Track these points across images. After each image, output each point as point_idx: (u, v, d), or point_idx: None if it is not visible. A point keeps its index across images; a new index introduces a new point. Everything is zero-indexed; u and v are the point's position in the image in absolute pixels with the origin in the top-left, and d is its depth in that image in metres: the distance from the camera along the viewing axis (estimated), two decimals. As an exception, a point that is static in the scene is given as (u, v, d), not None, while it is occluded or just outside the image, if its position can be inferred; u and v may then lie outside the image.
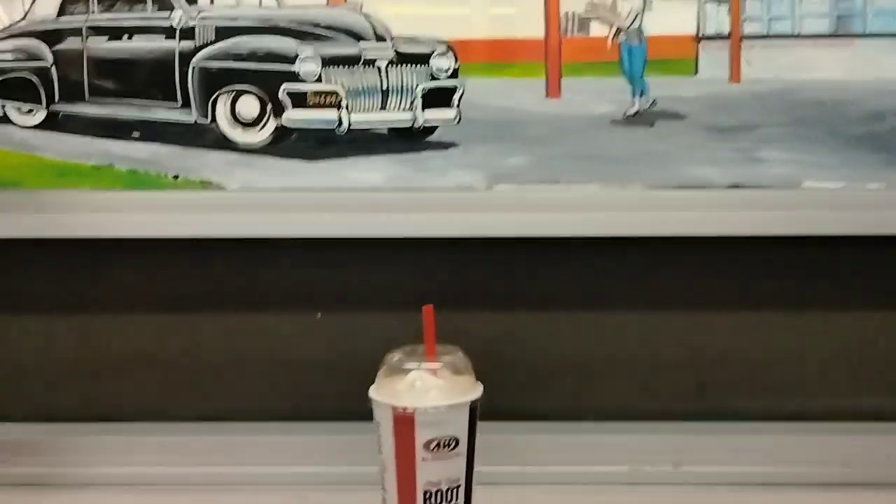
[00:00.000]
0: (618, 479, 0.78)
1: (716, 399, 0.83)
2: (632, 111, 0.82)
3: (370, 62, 0.82)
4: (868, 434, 0.80)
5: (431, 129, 0.83)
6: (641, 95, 0.82)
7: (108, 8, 0.83)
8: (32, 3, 0.82)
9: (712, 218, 0.80)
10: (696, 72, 0.83)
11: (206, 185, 0.83)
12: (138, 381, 0.84)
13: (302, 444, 0.80)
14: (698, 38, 0.83)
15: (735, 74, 0.83)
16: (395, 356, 0.63)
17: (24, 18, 0.83)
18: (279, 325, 0.84)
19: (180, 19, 0.82)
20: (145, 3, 0.82)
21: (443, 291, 0.79)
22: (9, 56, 0.83)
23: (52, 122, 0.84)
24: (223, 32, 0.82)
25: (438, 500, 0.60)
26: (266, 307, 0.84)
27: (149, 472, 0.79)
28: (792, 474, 0.78)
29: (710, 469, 0.79)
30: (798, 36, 0.83)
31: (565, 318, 0.83)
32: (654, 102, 0.82)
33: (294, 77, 0.81)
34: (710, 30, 0.83)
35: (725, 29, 0.83)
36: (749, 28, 0.83)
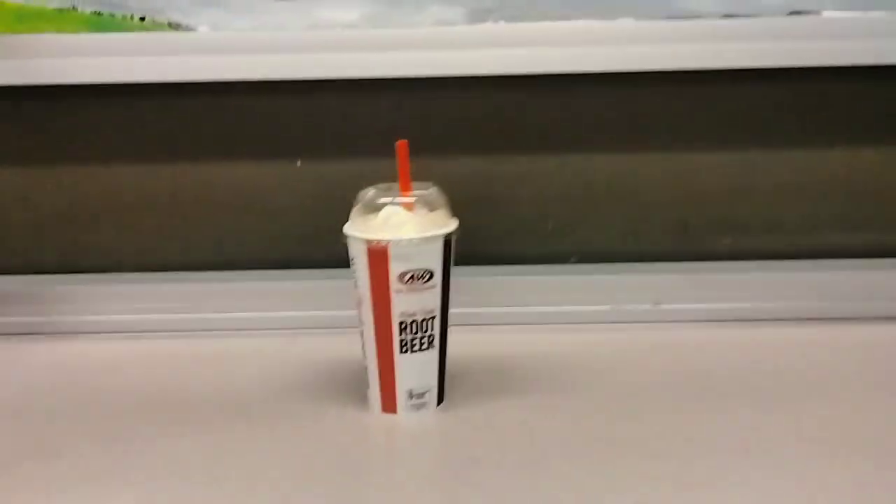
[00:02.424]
0: (599, 317, 0.79)
1: (698, 239, 0.83)
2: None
3: None
4: (851, 270, 0.80)
5: (407, -38, 0.78)
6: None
7: None
8: None
9: (704, 50, 0.77)
10: None
11: (174, 26, 0.79)
12: (116, 230, 0.84)
13: (289, 289, 0.81)
14: None
15: None
16: (368, 192, 0.62)
17: None
18: (257, 172, 0.82)
19: None
20: None
21: (423, 132, 0.77)
22: None
23: (7, -39, 0.79)
24: None
25: (413, 331, 0.61)
26: (242, 153, 0.82)
27: (133, 319, 0.80)
28: (769, 309, 0.78)
29: (688, 306, 0.79)
30: None
31: (547, 159, 0.82)
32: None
33: None
34: None
35: None
36: None
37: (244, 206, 0.83)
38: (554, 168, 0.82)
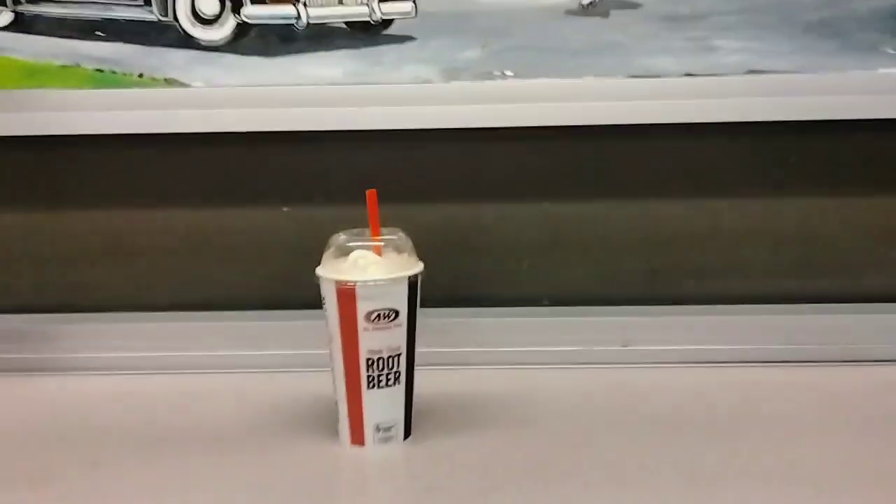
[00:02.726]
0: (568, 358, 0.82)
1: (666, 284, 0.86)
2: (586, 1, 0.83)
3: (326, -45, 0.83)
4: (812, 314, 0.83)
5: (388, 23, 0.84)
6: (596, -16, 0.83)
7: None
8: None
9: (665, 106, 0.82)
10: (651, -41, 0.83)
11: (169, 82, 0.85)
12: (112, 272, 0.88)
13: (270, 329, 0.85)
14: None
15: (689, -39, 0.83)
16: (340, 237, 0.66)
17: (-16, -81, 0.84)
18: (244, 217, 0.87)
19: (136, -85, 0.83)
20: None
21: (400, 180, 0.82)
22: (-27, -43, 0.85)
23: (19, 23, 0.86)
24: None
25: (380, 367, 0.64)
26: (230, 199, 0.87)
27: (126, 357, 0.84)
28: (735, 352, 0.81)
29: (657, 348, 0.82)
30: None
31: (520, 207, 0.86)
32: (608, -9, 0.82)
33: (250, -31, 0.82)
34: None
35: None
36: None
37: (232, 250, 0.88)
38: (525, 215, 0.86)
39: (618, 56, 0.83)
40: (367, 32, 0.84)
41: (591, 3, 0.83)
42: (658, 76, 0.83)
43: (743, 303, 0.85)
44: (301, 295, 0.80)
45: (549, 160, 0.85)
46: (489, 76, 0.83)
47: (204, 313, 0.87)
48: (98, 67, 0.85)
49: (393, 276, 0.64)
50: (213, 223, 0.88)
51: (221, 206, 0.88)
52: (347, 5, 0.84)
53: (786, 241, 0.85)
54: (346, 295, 0.63)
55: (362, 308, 0.63)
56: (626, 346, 0.83)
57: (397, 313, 0.64)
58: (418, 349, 0.67)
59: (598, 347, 0.83)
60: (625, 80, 0.83)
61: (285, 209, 0.87)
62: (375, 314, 0.63)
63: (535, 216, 0.86)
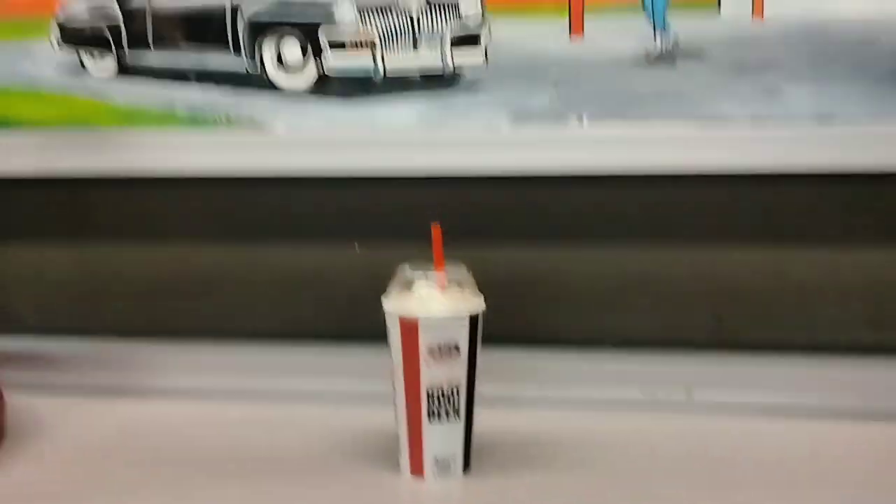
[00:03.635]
0: (630, 403, 0.82)
1: (732, 332, 0.86)
2: (654, 50, 0.85)
3: (403, 9, 0.87)
4: (882, 368, 0.81)
5: (460, 72, 0.88)
6: (664, 34, 0.85)
7: (169, -35, 0.91)
8: (104, -37, 0.92)
9: (733, 154, 0.82)
10: (719, 9, 0.85)
11: (254, 125, 0.91)
12: (198, 302, 0.93)
13: (342, 361, 0.88)
14: (721, -23, 0.84)
15: (758, 10, 0.84)
16: (405, 270, 0.69)
17: (97, -23, 0.92)
18: (319, 253, 0.91)
19: (231, -27, 0.89)
20: (200, -41, 0.90)
21: (465, 221, 0.85)
22: (85, 13, 0.93)
23: (122, 72, 0.93)
24: (269, -17, 0.89)
25: (441, 401, 0.66)
26: (308, 236, 0.91)
27: (203, 385, 0.88)
28: (803, 405, 0.80)
29: (721, 398, 0.81)
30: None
31: (585, 250, 0.87)
32: (676, 41, 0.84)
33: (332, 23, 0.88)
34: (732, -32, 0.84)
35: (748, -33, 0.84)
36: (773, -34, 0.84)
37: (306, 283, 0.92)
38: (590, 258, 0.87)
39: (685, 104, 0.84)
40: (440, 80, 0.88)
41: (658, 51, 0.85)
42: (726, 123, 0.83)
43: (810, 353, 0.83)
44: (371, 328, 0.84)
45: (615, 205, 0.87)
46: (557, 123, 0.86)
47: (278, 344, 0.91)
48: (190, 111, 0.92)
49: (454, 311, 0.66)
50: (289, 258, 0.92)
51: (298, 242, 0.92)
52: (422, 56, 0.88)
53: (856, 292, 0.84)
54: (409, 328, 0.66)
55: (424, 342, 0.66)
56: (689, 394, 0.83)
57: (458, 348, 0.66)
58: (481, 386, 0.68)
59: (661, 394, 0.83)
60: (693, 127, 0.84)
61: (357, 246, 0.91)
62: (437, 348, 0.66)
63: (601, 259, 0.87)
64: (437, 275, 0.68)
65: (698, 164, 0.83)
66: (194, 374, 0.89)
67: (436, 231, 0.68)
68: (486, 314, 0.68)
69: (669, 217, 0.86)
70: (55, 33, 0.93)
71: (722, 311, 0.86)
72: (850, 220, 0.84)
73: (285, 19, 0.89)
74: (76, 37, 0.93)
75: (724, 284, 0.85)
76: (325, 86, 0.90)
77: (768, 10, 0.83)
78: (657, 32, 0.85)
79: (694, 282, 0.86)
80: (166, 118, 0.92)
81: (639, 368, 0.84)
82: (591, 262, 0.87)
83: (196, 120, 0.92)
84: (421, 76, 0.89)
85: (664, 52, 0.85)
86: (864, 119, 0.81)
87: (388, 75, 0.88)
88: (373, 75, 0.88)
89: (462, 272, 0.69)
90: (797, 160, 0.81)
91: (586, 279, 0.87)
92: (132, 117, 0.93)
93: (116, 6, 0.93)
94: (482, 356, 0.68)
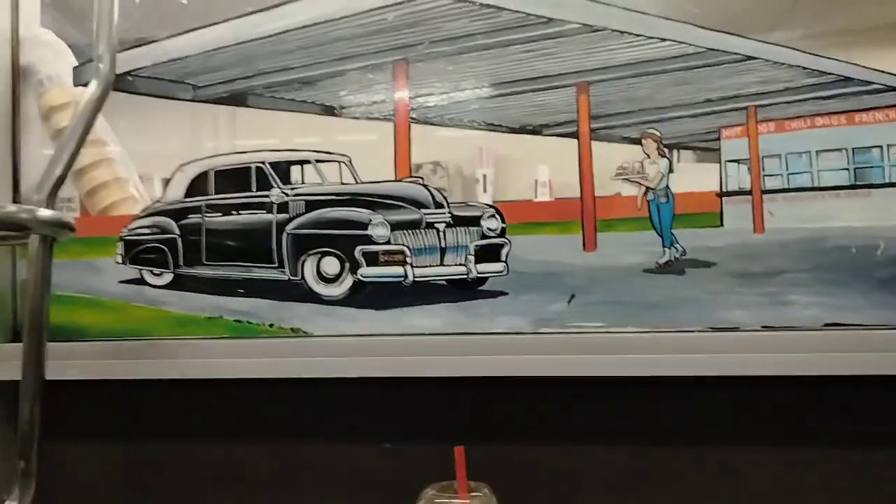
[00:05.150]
0: None
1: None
2: (663, 261, 0.91)
3: (430, 225, 0.96)
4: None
5: (483, 280, 0.95)
6: (671, 247, 0.91)
7: (222, 189, 1.02)
8: (165, 188, 1.03)
9: (744, 359, 0.86)
10: (722, 223, 0.91)
11: (295, 332, 0.98)
12: (237, 497, 0.97)
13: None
14: (721, 194, 0.91)
15: (759, 225, 0.90)
16: (429, 491, 0.73)
17: (159, 200, 1.04)
18: (350, 451, 0.96)
19: (277, 196, 1.00)
20: (250, 184, 1.01)
21: (487, 423, 0.89)
22: (147, 230, 1.04)
23: (177, 282, 1.02)
24: (311, 205, 0.99)
25: None
26: (341, 435, 0.96)
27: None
28: None
29: None
30: (818, 188, 0.90)
31: (603, 451, 0.90)
32: (683, 252, 0.91)
33: (367, 240, 0.96)
34: (731, 186, 0.91)
35: (747, 185, 0.91)
36: (770, 183, 0.91)
37: (337, 481, 0.95)
38: (609, 459, 0.90)
39: (694, 310, 0.89)
40: (464, 288, 0.95)
41: (667, 262, 0.91)
42: (735, 329, 0.88)
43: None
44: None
45: (634, 408, 0.90)
46: (575, 328, 0.91)
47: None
48: (237, 318, 1.00)
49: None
50: (323, 456, 0.96)
51: (330, 441, 0.96)
52: (447, 265, 0.96)
53: (877, 495, 0.85)
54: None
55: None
56: None
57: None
58: None
59: None
60: (703, 332, 0.88)
61: (387, 446, 0.95)
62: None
63: (620, 461, 0.90)
64: (460, 498, 0.71)
65: (709, 368, 0.86)
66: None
67: (459, 454, 0.72)
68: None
69: (680, 421, 0.89)
70: (120, 249, 1.03)
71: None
72: (862, 423, 0.86)
73: (325, 232, 0.98)
74: (138, 251, 1.03)
75: (738, 486, 0.87)
76: (360, 293, 0.97)
77: (768, 223, 0.90)
78: (665, 246, 0.91)
79: (709, 484, 0.87)
80: (214, 325, 1.00)
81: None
82: (608, 464, 0.90)
83: (241, 326, 0.99)
84: (447, 283, 0.96)
85: (672, 261, 0.91)
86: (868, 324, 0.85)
87: (416, 281, 0.96)
88: (403, 282, 0.96)
89: (484, 493, 0.72)
90: (805, 365, 0.85)
91: (604, 482, 0.90)
92: (184, 324, 1.01)
93: (174, 224, 1.03)
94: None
